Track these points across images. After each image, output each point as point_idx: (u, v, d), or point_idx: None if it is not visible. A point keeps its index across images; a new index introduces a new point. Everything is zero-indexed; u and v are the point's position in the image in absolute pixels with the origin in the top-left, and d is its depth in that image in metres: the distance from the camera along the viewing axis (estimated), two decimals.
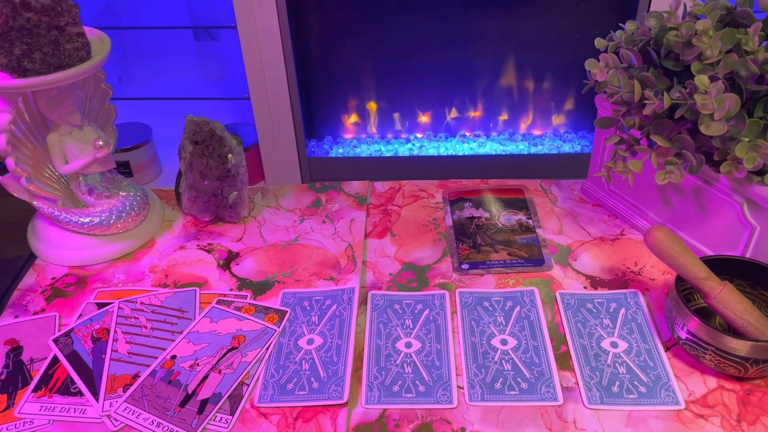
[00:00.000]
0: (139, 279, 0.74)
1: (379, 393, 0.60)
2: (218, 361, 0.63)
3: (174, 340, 0.66)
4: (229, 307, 0.69)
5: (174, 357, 0.64)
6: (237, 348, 0.65)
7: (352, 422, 0.58)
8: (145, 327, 0.67)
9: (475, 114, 1.75)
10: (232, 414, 0.59)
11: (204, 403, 0.60)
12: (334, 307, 0.69)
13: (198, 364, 0.63)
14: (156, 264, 0.76)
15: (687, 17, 0.66)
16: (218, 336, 0.66)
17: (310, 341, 0.65)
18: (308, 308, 0.69)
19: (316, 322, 0.67)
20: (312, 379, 0.61)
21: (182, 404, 0.59)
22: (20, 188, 0.73)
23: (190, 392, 0.60)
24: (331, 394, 0.60)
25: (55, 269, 0.76)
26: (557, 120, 1.75)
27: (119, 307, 0.69)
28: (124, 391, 0.60)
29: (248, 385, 0.61)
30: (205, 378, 0.62)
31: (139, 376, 0.62)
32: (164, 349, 0.65)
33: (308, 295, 0.71)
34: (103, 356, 0.64)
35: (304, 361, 0.63)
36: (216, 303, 0.70)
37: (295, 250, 0.78)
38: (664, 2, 1.38)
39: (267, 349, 0.65)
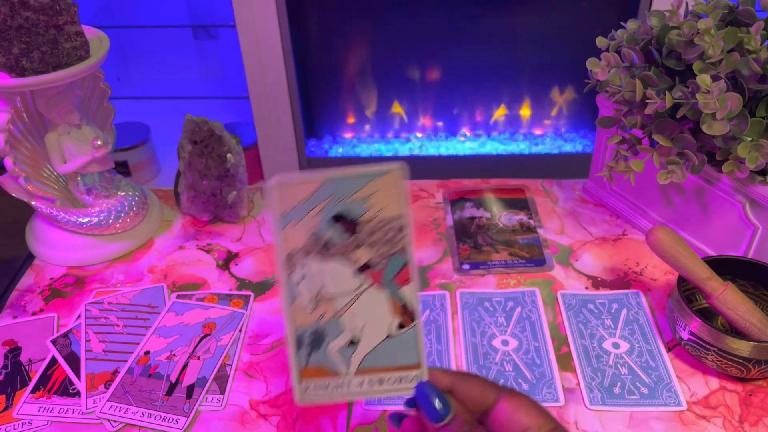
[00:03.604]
0: (137, 279, 0.74)
1: None
2: (194, 348, 0.64)
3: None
4: (191, 299, 0.70)
5: (147, 352, 0.64)
6: (210, 334, 0.65)
7: (352, 423, 0.58)
8: (117, 325, 0.67)
9: (475, 113, 1.75)
10: (222, 393, 0.60)
11: (191, 388, 0.60)
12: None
13: (174, 355, 0.63)
14: (155, 264, 0.76)
15: (689, 16, 0.66)
16: (187, 327, 0.66)
17: None
18: None
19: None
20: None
21: (169, 393, 0.60)
22: (18, 188, 0.73)
23: (173, 381, 0.61)
24: None
25: (53, 269, 0.76)
26: (558, 119, 1.75)
27: (86, 309, 0.69)
28: (106, 388, 0.60)
29: (231, 366, 0.62)
30: (185, 366, 0.62)
31: (118, 372, 0.62)
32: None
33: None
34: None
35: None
36: (176, 297, 0.70)
37: None
38: (666, 1, 1.38)
39: (240, 331, 0.66)
